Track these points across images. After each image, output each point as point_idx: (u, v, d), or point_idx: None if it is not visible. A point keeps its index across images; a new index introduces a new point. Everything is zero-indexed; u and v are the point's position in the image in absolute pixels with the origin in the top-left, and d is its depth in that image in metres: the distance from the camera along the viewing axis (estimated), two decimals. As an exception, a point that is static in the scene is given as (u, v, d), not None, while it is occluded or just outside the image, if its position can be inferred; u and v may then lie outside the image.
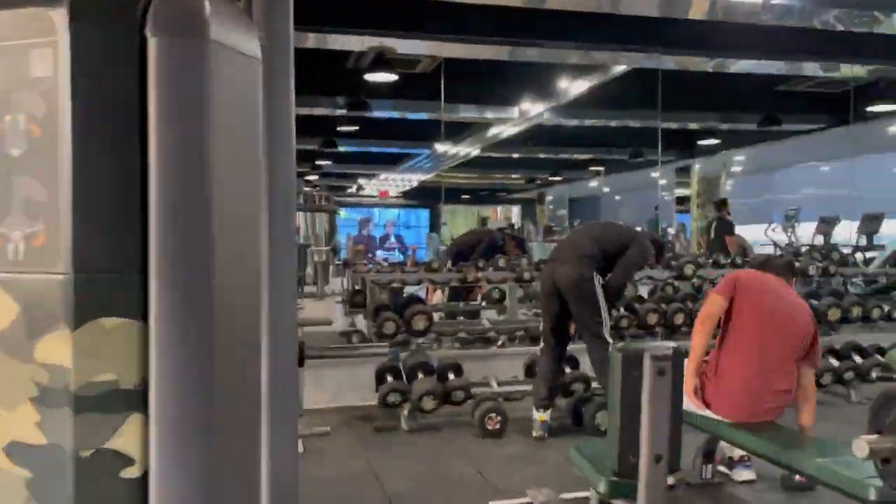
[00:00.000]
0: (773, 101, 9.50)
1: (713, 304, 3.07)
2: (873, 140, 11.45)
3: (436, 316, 6.72)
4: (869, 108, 8.49)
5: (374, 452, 4.13)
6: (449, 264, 5.80)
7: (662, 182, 16.17)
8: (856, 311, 5.22)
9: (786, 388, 2.98)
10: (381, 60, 6.67)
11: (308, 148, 12.14)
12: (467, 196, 24.18)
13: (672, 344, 2.49)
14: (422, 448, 4.22)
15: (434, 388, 4.32)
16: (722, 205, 10.60)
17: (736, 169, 15.36)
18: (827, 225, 12.37)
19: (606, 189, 21.73)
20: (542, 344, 4.39)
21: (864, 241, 11.49)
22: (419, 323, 4.51)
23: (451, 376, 4.53)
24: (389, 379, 4.47)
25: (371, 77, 7.08)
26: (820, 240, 12.58)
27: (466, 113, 10.02)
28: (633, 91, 9.14)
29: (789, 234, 13.48)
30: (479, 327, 4.83)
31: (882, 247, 11.32)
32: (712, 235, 10.68)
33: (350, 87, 8.16)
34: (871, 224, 11.41)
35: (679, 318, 5.01)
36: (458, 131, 11.81)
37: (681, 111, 9.72)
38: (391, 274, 4.84)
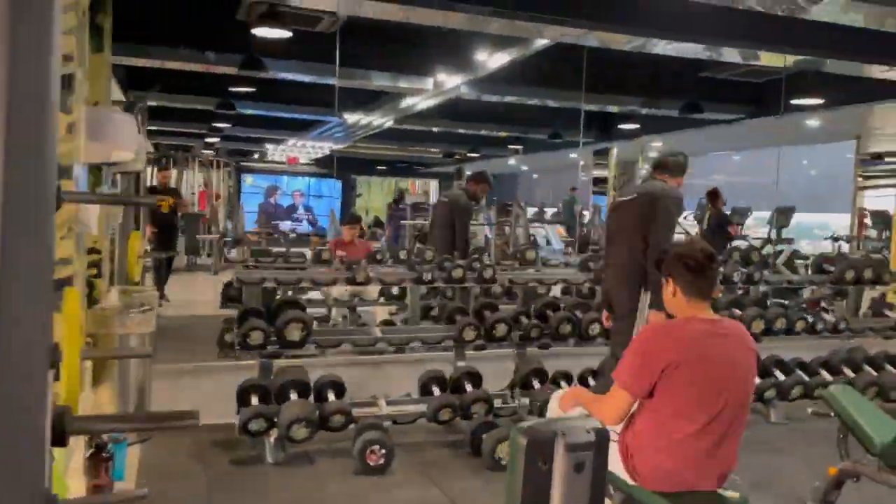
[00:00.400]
0: (695, 88, 9.13)
1: (621, 405, 2.35)
2: (789, 133, 11.37)
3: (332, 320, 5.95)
4: (793, 101, 8.21)
5: (223, 497, 3.39)
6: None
7: (582, 163, 15.86)
8: (779, 323, 4.84)
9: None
10: (273, 13, 5.75)
11: (201, 108, 10.96)
12: (384, 168, 23.26)
13: (595, 424, 1.86)
14: (286, 490, 3.50)
15: (307, 412, 3.59)
16: (714, 196, 10.21)
17: (652, 154, 15.19)
18: (739, 215, 12.31)
19: (525, 167, 21.36)
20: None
21: (775, 235, 11.48)
22: (293, 333, 3.76)
23: (331, 396, 3.82)
24: (254, 400, 3.71)
25: (260, 32, 6.14)
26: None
27: (378, 81, 9.17)
28: (556, 70, 8.55)
29: (703, 223, 13.40)
30: (367, 337, 4.13)
31: (791, 240, 11.33)
32: (704, 227, 10.38)
33: (243, 43, 7.19)
34: (783, 218, 11.38)
35: (595, 329, 4.47)
36: (369, 99, 10.93)
37: (602, 93, 9.22)
38: (265, 272, 4.05)
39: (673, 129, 11.36)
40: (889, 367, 5.02)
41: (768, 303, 5.43)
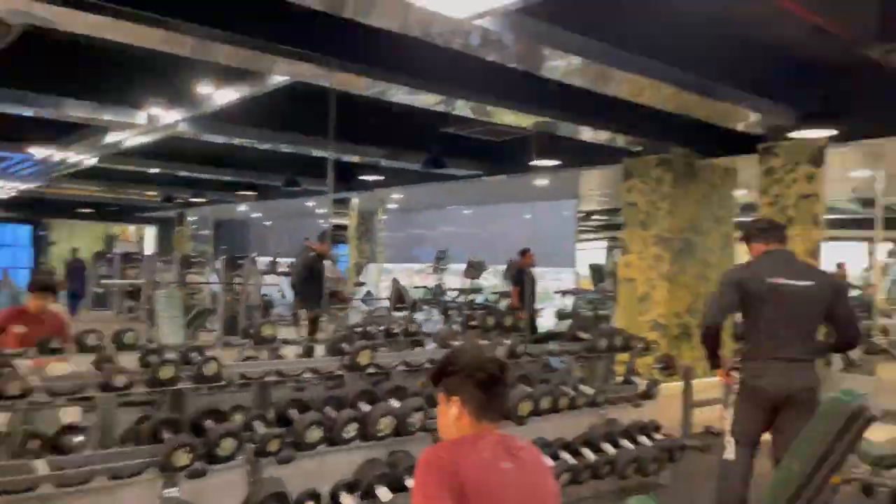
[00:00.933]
0: (438, 142, 8.95)
1: None
2: (523, 189, 11.82)
3: None
4: (532, 162, 8.35)
5: None
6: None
7: (323, 211, 15.10)
8: (545, 402, 4.46)
9: None
10: None
11: None
12: (89, 210, 20.19)
13: None
14: None
15: None
16: (524, 255, 9.66)
17: (392, 206, 15.03)
18: (474, 269, 12.47)
19: (257, 214, 20.04)
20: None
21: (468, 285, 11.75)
22: None
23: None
24: None
25: None
26: (468, 283, 12.65)
27: (74, 111, 7.50)
28: (294, 113, 7.73)
29: (439, 275, 13.35)
30: (23, 478, 2.77)
31: (480, 290, 11.65)
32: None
33: None
34: (475, 270, 11.71)
35: (352, 430, 3.62)
36: (63, 132, 9.03)
37: (344, 142, 8.60)
38: None
39: (415, 181, 11.16)
40: (643, 440, 4.91)
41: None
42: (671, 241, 7.53)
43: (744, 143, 7.05)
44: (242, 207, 17.41)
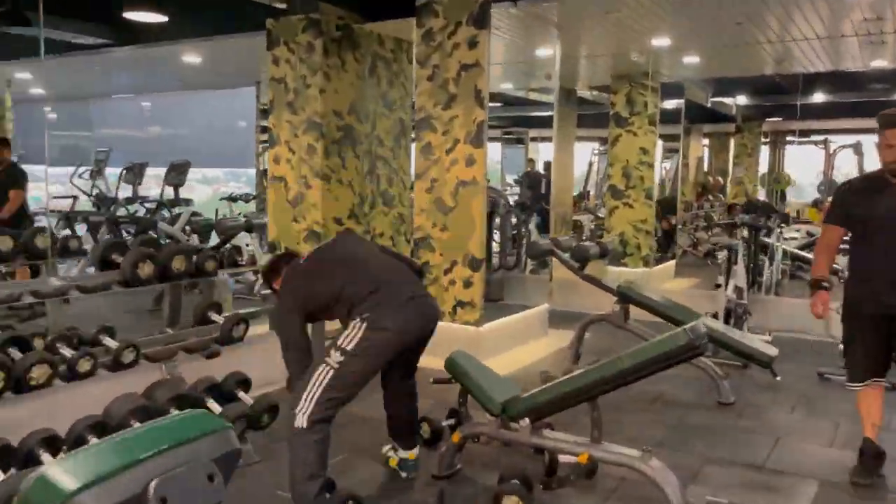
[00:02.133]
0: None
1: None
2: (184, 73, 9.49)
3: None
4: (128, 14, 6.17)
5: None
6: None
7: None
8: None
9: None
10: None
11: None
12: None
13: None
14: None
15: None
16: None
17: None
18: (135, 174, 10.08)
19: None
20: None
21: (171, 195, 9.58)
22: None
23: None
24: None
25: None
26: (128, 191, 10.24)
27: None
28: None
29: (97, 181, 10.74)
30: None
31: (189, 200, 9.63)
32: None
33: None
34: (178, 175, 9.53)
35: None
36: None
37: None
38: None
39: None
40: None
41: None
42: (326, 128, 5.96)
43: (409, 3, 5.59)
44: None
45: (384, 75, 6.54)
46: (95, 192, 10.49)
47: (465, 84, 5.34)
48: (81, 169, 11.05)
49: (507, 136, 12.89)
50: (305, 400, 2.70)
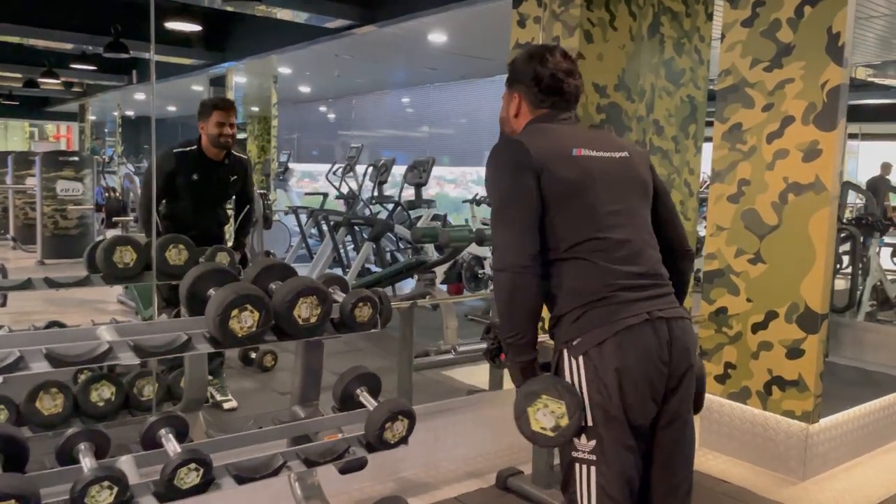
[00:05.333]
0: None
1: None
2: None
3: None
4: None
5: None
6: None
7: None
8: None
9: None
10: None
11: None
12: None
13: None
14: None
15: None
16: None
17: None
18: (379, 171, 9.34)
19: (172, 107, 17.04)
20: None
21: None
22: None
23: None
24: None
25: None
26: (374, 189, 9.54)
27: None
28: None
29: (346, 178, 10.34)
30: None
31: (431, 202, 8.54)
32: None
33: None
34: (420, 174, 8.49)
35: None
36: None
37: None
38: None
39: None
40: None
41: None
42: (582, 107, 4.28)
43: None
44: (141, 95, 14.41)
45: (671, 35, 4.66)
46: (345, 189, 10.01)
47: (809, 26, 3.27)
48: (336, 166, 10.70)
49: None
50: None
